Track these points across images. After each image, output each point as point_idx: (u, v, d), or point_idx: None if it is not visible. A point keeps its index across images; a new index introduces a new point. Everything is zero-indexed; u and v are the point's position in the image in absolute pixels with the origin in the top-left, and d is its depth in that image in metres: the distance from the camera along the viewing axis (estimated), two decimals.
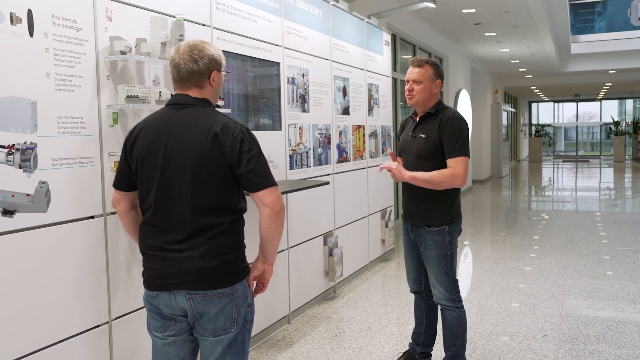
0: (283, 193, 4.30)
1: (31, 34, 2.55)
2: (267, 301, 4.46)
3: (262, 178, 2.25)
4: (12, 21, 2.46)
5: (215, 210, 2.25)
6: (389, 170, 3.34)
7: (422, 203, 3.42)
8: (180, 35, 3.31)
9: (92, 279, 2.88)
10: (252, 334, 4.20)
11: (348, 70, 5.97)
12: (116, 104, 2.94)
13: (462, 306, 3.50)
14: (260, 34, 4.37)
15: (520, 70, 19.69)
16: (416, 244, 3.53)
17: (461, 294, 3.51)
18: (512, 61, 17.22)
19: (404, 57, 10.48)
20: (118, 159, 2.98)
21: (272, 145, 4.54)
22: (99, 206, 2.92)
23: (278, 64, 4.64)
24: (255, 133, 4.18)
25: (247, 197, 2.43)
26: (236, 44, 4.06)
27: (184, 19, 3.45)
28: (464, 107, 14.30)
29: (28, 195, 2.54)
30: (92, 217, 2.89)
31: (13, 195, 2.47)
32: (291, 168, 4.85)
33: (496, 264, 6.86)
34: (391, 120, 7.44)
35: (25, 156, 2.52)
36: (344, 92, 5.89)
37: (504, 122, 19.81)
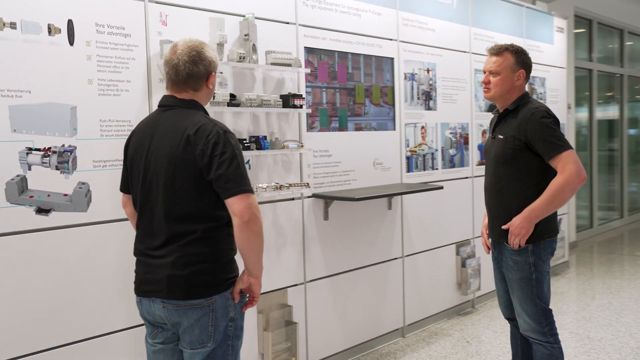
0: (388, 195, 4.02)
1: (71, 43, 2.70)
2: (374, 311, 4.22)
3: (231, 184, 2.08)
4: (50, 32, 2.62)
5: (189, 217, 2.14)
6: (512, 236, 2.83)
7: (501, 214, 2.91)
8: (246, 35, 3.26)
9: (129, 279, 2.95)
10: (356, 341, 4.04)
11: None
12: None
13: (557, 341, 2.89)
14: (366, 28, 4.14)
15: None
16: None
17: (556, 325, 2.91)
18: None
19: (609, 46, 9.23)
20: None
21: (382, 146, 4.27)
22: None
23: (391, 59, 4.34)
24: (359, 134, 4.02)
25: None
26: (330, 40, 3.89)
27: (260, 18, 3.41)
28: None
29: (65, 195, 2.69)
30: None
31: (49, 195, 2.64)
32: (409, 170, 4.52)
33: (612, 281, 5.64)
34: (565, 116, 6.55)
35: (62, 158, 2.67)
36: None
37: None
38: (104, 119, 2.81)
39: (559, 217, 3.19)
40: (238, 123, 3.36)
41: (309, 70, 3.66)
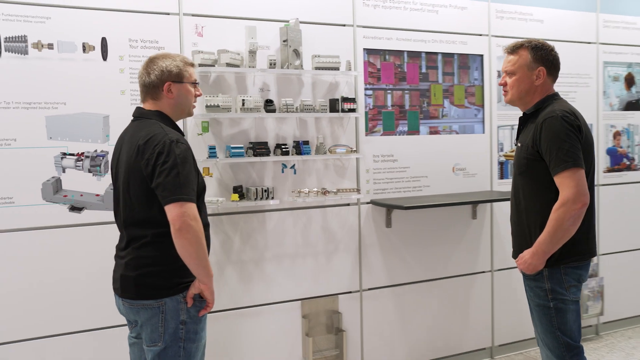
0: (466, 203, 3.78)
1: (104, 58, 2.99)
2: (451, 326, 3.96)
3: (167, 192, 2.14)
4: (84, 50, 2.94)
5: (141, 222, 2.25)
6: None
7: (520, 232, 2.58)
8: (284, 41, 3.28)
9: None
10: (425, 357, 3.88)
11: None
12: (201, 114, 3.14)
13: None
14: (445, 25, 3.88)
15: None
16: None
17: None
18: None
19: None
20: (205, 165, 3.19)
21: (466, 151, 3.97)
22: None
23: (480, 56, 4.00)
24: (435, 138, 3.85)
25: None
26: (397, 40, 3.72)
27: (311, 22, 3.43)
28: None
29: (97, 195, 3.00)
30: None
31: (81, 195, 2.96)
32: (503, 177, 4.12)
33: None
34: None
35: (95, 162, 2.98)
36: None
37: None
38: None
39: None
40: (282, 128, 3.40)
41: (356, 73, 3.55)
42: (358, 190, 3.56)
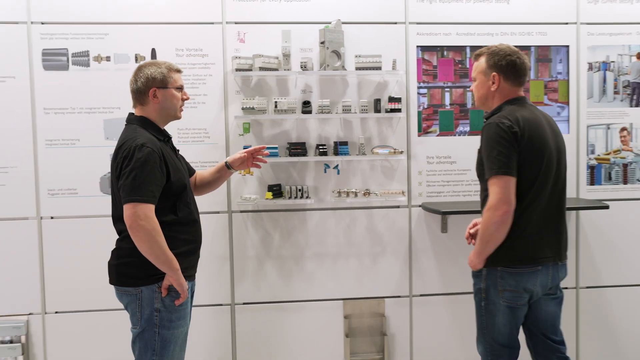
0: None
1: None
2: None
3: (124, 194, 2.34)
4: (136, 60, 3.32)
5: (121, 218, 2.44)
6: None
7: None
8: (322, 43, 3.33)
9: (216, 265, 3.42)
10: None
11: None
12: (240, 115, 3.33)
13: None
14: (519, 15, 3.56)
15: None
16: None
17: None
18: None
19: None
20: None
21: None
22: (223, 203, 3.41)
23: (565, 47, 3.59)
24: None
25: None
26: (457, 35, 3.51)
27: (358, 22, 3.44)
28: None
29: None
30: (218, 212, 3.42)
31: None
32: (593, 183, 3.65)
33: None
34: None
35: None
36: None
37: None
38: (181, 127, 3.36)
39: None
40: (324, 129, 3.45)
41: (401, 72, 3.43)
42: (403, 193, 3.45)
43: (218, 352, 3.45)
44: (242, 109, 3.29)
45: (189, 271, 2.54)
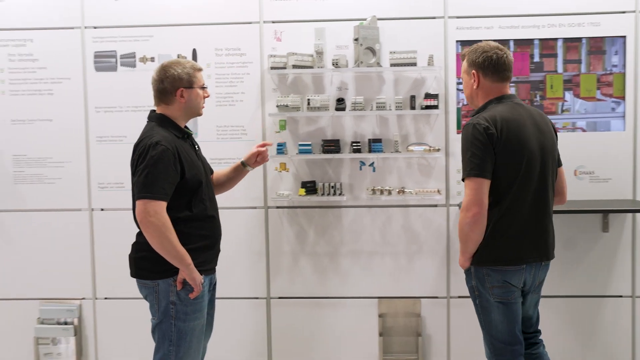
0: (589, 212, 3.37)
1: None
2: (579, 355, 3.47)
3: (136, 190, 2.44)
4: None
5: None
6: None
7: None
8: (356, 39, 3.32)
9: (252, 259, 3.51)
10: None
11: None
12: (275, 113, 3.39)
13: None
14: (567, 6, 3.37)
15: None
16: None
17: None
18: None
19: None
20: (282, 160, 3.44)
21: (596, 151, 3.39)
22: (259, 199, 3.49)
23: (622, 38, 3.36)
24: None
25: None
26: (500, 29, 3.38)
27: (394, 18, 3.40)
28: None
29: None
30: (254, 207, 3.51)
31: None
32: None
33: None
34: None
35: None
36: None
37: None
38: (220, 124, 3.48)
39: None
40: (360, 126, 3.44)
41: (439, 68, 3.34)
42: (439, 191, 3.37)
43: (254, 343, 3.54)
44: (277, 106, 3.34)
45: (206, 265, 2.60)
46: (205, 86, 2.68)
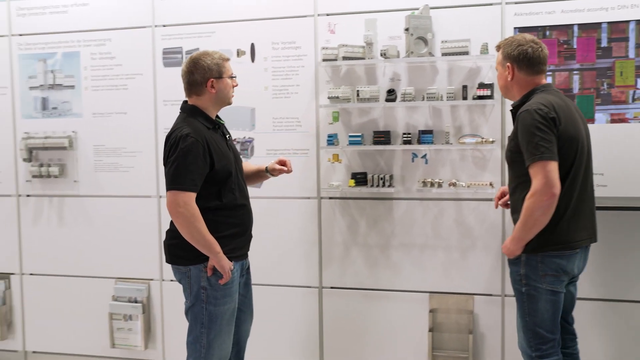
0: None
1: (252, 60, 3.60)
2: None
3: (167, 182, 2.56)
4: (237, 54, 3.61)
5: None
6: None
7: (514, 220, 2.60)
8: (406, 29, 3.27)
9: (305, 248, 3.59)
10: None
11: None
12: (327, 104, 3.43)
13: None
14: None
15: None
16: None
17: None
18: None
19: None
20: (334, 152, 3.48)
21: None
22: (313, 189, 3.55)
23: None
24: (617, 127, 3.20)
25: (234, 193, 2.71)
26: (563, 13, 3.15)
27: (447, 6, 3.33)
28: None
29: None
30: (308, 197, 3.58)
31: None
32: None
33: None
34: None
35: (244, 147, 3.64)
36: None
37: None
38: (276, 116, 3.58)
39: None
40: (413, 117, 3.39)
41: (491, 56, 3.18)
42: (492, 185, 3.24)
43: (306, 331, 3.61)
44: (328, 98, 3.38)
45: (237, 252, 2.70)
46: (233, 75, 2.75)
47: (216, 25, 3.64)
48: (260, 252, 3.53)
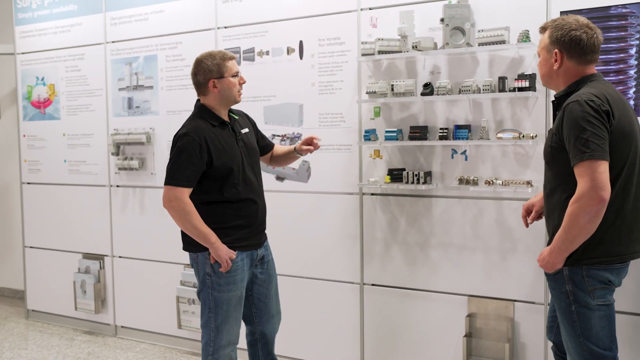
0: None
1: (301, 57, 3.68)
2: None
3: (165, 176, 2.72)
4: (287, 52, 3.72)
5: None
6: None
7: (551, 230, 2.36)
8: (442, 20, 3.15)
9: (347, 244, 3.59)
10: None
11: None
12: (366, 99, 3.41)
13: None
14: None
15: None
16: None
17: None
18: None
19: None
20: (376, 147, 3.46)
21: None
22: (354, 185, 3.55)
23: None
24: None
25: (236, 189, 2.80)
26: None
27: None
28: None
29: (293, 169, 3.74)
30: (350, 193, 3.58)
31: (283, 168, 3.77)
32: None
33: None
34: None
35: (292, 142, 3.73)
36: None
37: None
38: (322, 112, 3.63)
39: None
40: (452, 112, 3.26)
41: (532, 44, 2.94)
42: (530, 183, 3.01)
43: (348, 326, 3.61)
44: (366, 92, 3.36)
45: (242, 242, 2.81)
46: (237, 73, 2.81)
47: (269, 24, 3.78)
48: (304, 246, 3.63)
